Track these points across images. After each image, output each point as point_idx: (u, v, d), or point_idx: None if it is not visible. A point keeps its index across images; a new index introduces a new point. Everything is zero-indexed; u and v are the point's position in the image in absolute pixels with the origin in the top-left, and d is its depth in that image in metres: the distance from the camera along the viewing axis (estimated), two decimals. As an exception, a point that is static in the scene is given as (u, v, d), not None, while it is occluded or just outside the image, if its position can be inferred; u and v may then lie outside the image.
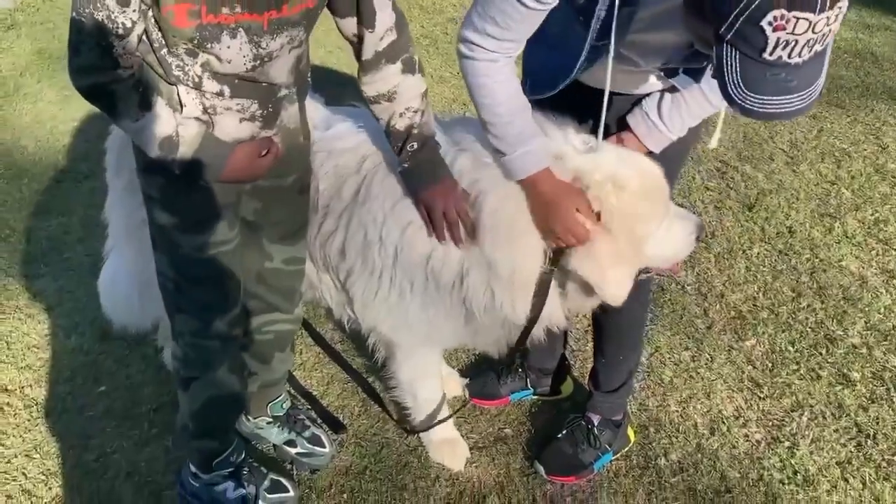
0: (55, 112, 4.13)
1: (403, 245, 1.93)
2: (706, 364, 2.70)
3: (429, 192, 1.86)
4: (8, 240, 3.26)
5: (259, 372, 2.24)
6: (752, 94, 1.29)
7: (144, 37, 1.57)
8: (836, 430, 2.45)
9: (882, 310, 2.89)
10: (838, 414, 2.51)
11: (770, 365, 2.69)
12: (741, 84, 1.28)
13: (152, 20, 1.54)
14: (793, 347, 2.75)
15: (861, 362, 2.69)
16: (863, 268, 3.10)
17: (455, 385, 2.60)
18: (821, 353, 2.72)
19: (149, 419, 2.51)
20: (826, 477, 2.32)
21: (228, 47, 1.57)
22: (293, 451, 2.35)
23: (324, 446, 2.35)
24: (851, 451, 2.39)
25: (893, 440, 2.41)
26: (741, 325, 2.85)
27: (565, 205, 1.73)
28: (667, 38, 1.63)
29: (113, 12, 1.49)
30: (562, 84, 1.78)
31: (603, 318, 2.22)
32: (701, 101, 1.80)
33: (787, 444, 2.42)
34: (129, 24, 1.51)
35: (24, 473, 2.33)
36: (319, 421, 2.45)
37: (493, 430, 2.48)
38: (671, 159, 1.90)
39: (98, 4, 1.47)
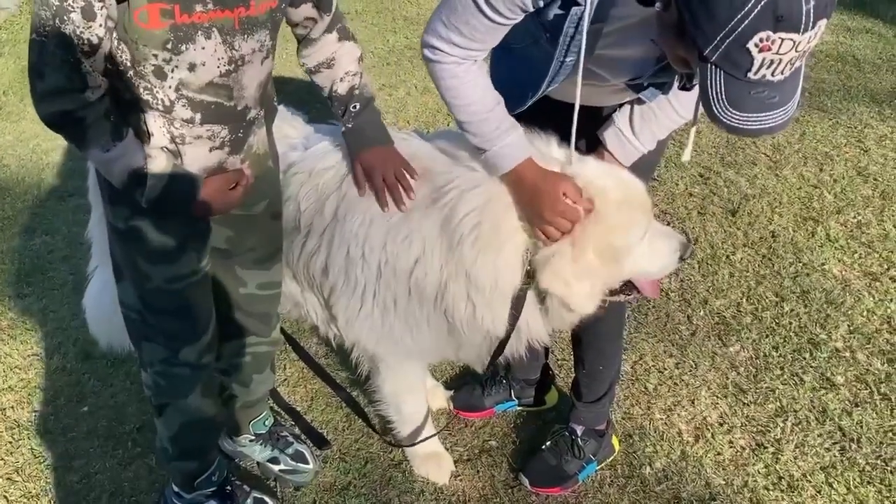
0: (38, 130, 4.12)
1: (386, 258, 1.93)
2: (690, 371, 2.70)
3: (369, 154, 1.92)
4: (-9, 260, 3.25)
5: (239, 394, 2.25)
6: (737, 113, 1.30)
7: (108, 61, 1.53)
8: (819, 435, 2.46)
9: (865, 313, 2.90)
10: (822, 419, 2.51)
11: (754, 370, 2.69)
12: (725, 103, 1.29)
13: (115, 41, 1.50)
14: (776, 352, 2.75)
15: (844, 366, 2.69)
16: (846, 271, 3.11)
17: (440, 397, 2.60)
18: (804, 358, 2.73)
19: (132, 438, 2.50)
20: (810, 482, 2.32)
21: (203, 48, 1.55)
22: (276, 468, 2.34)
23: (307, 462, 2.34)
24: (835, 456, 2.39)
25: (877, 444, 2.42)
26: (725, 331, 2.85)
27: (553, 189, 1.72)
28: (635, 53, 1.63)
29: (78, 27, 1.44)
30: (530, 100, 1.79)
31: (581, 329, 2.22)
32: (670, 112, 1.81)
33: (771, 449, 2.42)
34: (95, 41, 1.47)
35: (5, 497, 2.32)
36: (303, 437, 2.44)
37: (477, 443, 2.48)
38: (641, 171, 1.91)
39: (63, 19, 1.42)
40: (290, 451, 2.34)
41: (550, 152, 1.82)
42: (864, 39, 4.98)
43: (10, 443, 2.48)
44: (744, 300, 2.98)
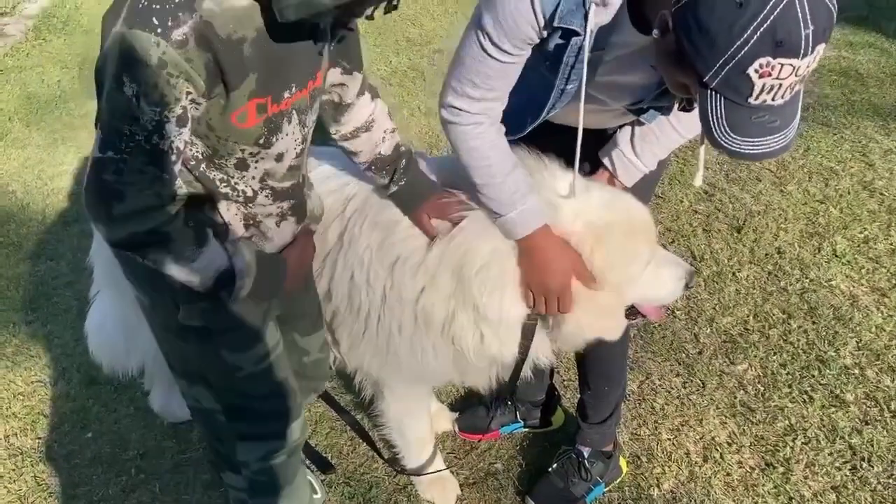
0: (43, 156, 4.14)
1: (392, 284, 1.91)
2: (698, 390, 2.67)
3: (431, 205, 1.84)
4: (-4, 286, 3.26)
5: None
6: (738, 137, 1.30)
7: None
8: (830, 454, 2.43)
9: (874, 329, 2.87)
10: (832, 437, 2.48)
11: (762, 389, 2.67)
12: (727, 128, 1.29)
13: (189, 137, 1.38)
14: (785, 370, 2.73)
15: (854, 383, 2.66)
16: (853, 287, 3.08)
17: (444, 420, 2.58)
18: (813, 375, 2.70)
19: (136, 465, 2.48)
20: (822, 502, 2.28)
21: (287, 135, 1.48)
22: None
23: (315, 492, 2.29)
24: (846, 475, 2.36)
25: (888, 463, 2.39)
26: (732, 349, 2.83)
27: (563, 269, 1.72)
28: (635, 78, 1.63)
29: (172, 137, 1.31)
30: (530, 127, 1.78)
31: (585, 350, 2.20)
32: (670, 133, 1.80)
33: (781, 469, 2.39)
34: (181, 147, 1.34)
35: (9, 525, 2.31)
36: (312, 466, 2.40)
37: (483, 465, 2.45)
38: (643, 189, 1.90)
39: (162, 133, 1.29)
40: None
41: (554, 184, 1.80)
42: (868, 54, 4.98)
43: (14, 470, 2.47)
44: (751, 317, 2.96)
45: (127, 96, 1.27)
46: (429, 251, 1.85)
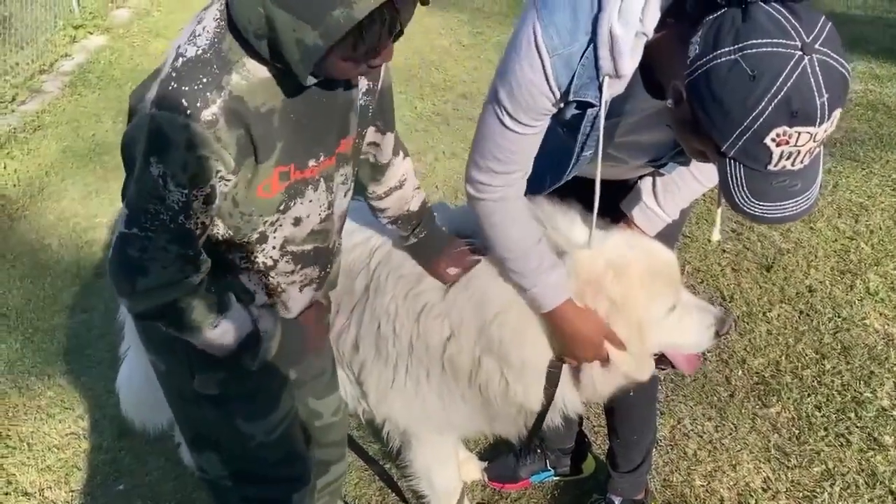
0: (77, 209, 4.25)
1: (419, 334, 1.92)
2: (731, 434, 2.63)
3: (448, 256, 1.88)
4: (32, 339, 3.32)
5: None
6: (760, 203, 1.30)
7: None
8: (870, 500, 2.36)
9: (911, 368, 2.81)
10: (871, 482, 2.42)
11: (797, 432, 2.61)
12: (748, 194, 1.29)
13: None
14: (819, 412, 2.67)
15: (893, 425, 2.60)
16: (888, 325, 3.03)
17: (473, 469, 2.56)
18: (849, 418, 2.64)
19: (167, 517, 2.50)
20: (863, 550, 2.23)
21: (311, 201, 1.49)
22: None
23: None
24: (888, 522, 2.30)
25: (931, 508, 2.32)
26: (765, 392, 2.78)
27: (589, 338, 1.76)
28: (653, 138, 1.63)
29: (198, 215, 1.33)
30: (549, 188, 1.79)
31: (612, 399, 2.19)
32: (691, 182, 1.81)
33: (819, 516, 2.33)
34: (207, 223, 1.37)
35: (42, 580, 2.32)
36: None
37: (513, 515, 2.43)
38: (667, 236, 1.90)
39: (188, 213, 1.31)
40: None
41: (573, 234, 1.81)
42: (894, 86, 4.94)
43: (48, 524, 2.50)
44: (783, 358, 2.91)
45: (154, 177, 1.29)
46: (446, 299, 1.87)
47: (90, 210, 4.24)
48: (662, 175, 1.80)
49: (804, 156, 1.23)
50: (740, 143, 1.23)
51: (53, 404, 2.97)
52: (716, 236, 1.83)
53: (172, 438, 2.66)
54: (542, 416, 1.94)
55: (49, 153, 4.85)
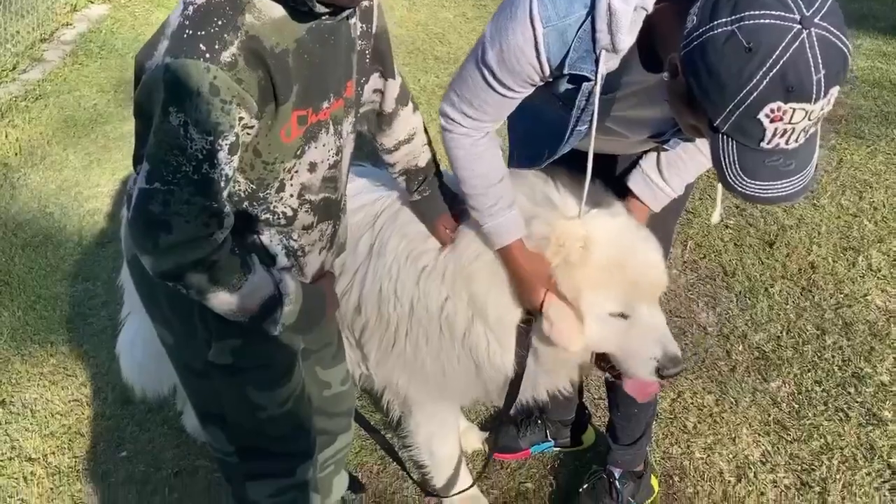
0: (79, 178, 4.23)
1: (419, 296, 1.93)
2: (731, 408, 2.64)
3: (450, 214, 1.90)
4: (34, 307, 3.32)
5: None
6: (752, 181, 1.27)
7: None
8: (868, 474, 2.38)
9: (911, 345, 2.82)
10: (870, 456, 2.43)
11: (797, 406, 2.63)
12: (739, 172, 1.27)
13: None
14: (819, 387, 2.68)
15: (892, 400, 2.61)
16: (889, 301, 3.03)
17: (474, 439, 2.58)
18: (849, 393, 2.65)
19: (169, 484, 2.51)
20: (859, 523, 2.24)
21: (324, 145, 1.47)
22: None
23: None
24: (885, 496, 2.31)
25: (929, 482, 2.34)
26: (765, 366, 2.79)
27: (529, 280, 1.76)
28: (653, 113, 1.62)
29: (223, 165, 1.28)
30: (547, 161, 1.79)
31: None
32: (697, 156, 1.79)
33: (817, 489, 2.35)
34: (231, 174, 1.32)
35: (46, 544, 2.34)
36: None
37: (513, 485, 2.44)
38: (670, 212, 1.90)
39: (213, 162, 1.27)
40: None
41: (565, 208, 1.80)
42: (901, 63, 4.91)
43: (52, 489, 2.51)
44: (784, 334, 2.92)
45: (174, 126, 1.25)
46: (439, 259, 1.89)
47: (92, 179, 4.23)
48: (667, 150, 1.79)
49: (799, 134, 1.21)
50: (734, 118, 1.21)
51: (56, 371, 2.98)
52: (716, 218, 1.83)
53: (175, 406, 2.67)
54: (515, 384, 1.93)
55: (51, 122, 4.83)
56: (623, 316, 1.75)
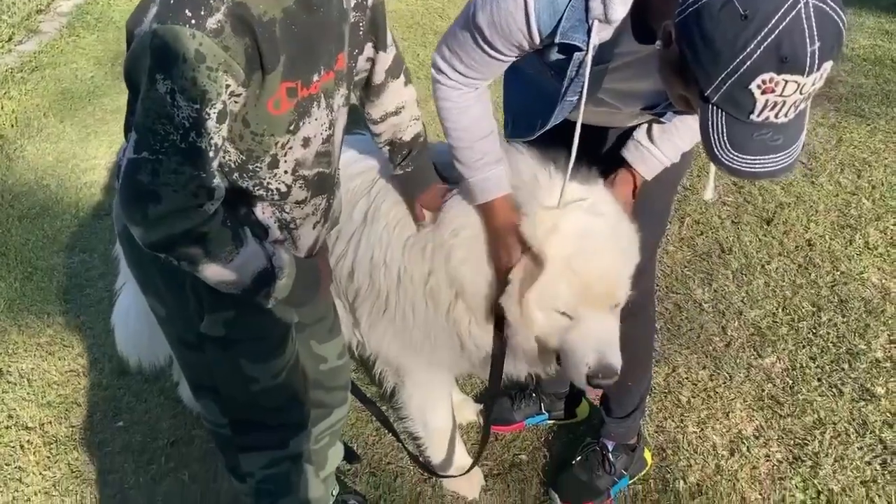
0: (76, 150, 4.22)
1: (405, 266, 1.93)
2: (725, 383, 2.65)
3: (428, 194, 1.89)
4: (31, 278, 3.33)
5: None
6: (739, 155, 1.26)
7: None
8: (860, 448, 2.39)
9: (906, 322, 2.83)
10: (862, 431, 2.45)
11: (790, 382, 2.64)
12: (727, 145, 1.26)
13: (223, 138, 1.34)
14: (814, 363, 2.69)
15: (885, 377, 2.62)
16: (885, 279, 3.03)
17: (469, 411, 2.59)
18: (843, 369, 2.66)
19: (166, 454, 2.52)
20: (850, 497, 2.26)
21: (316, 119, 1.46)
22: None
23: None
24: (876, 470, 2.33)
25: (920, 457, 2.35)
26: (760, 342, 2.80)
27: (508, 239, 1.75)
28: (646, 85, 1.61)
29: (211, 134, 1.27)
30: (540, 131, 1.78)
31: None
32: (691, 124, 1.78)
33: (809, 463, 2.36)
34: (220, 143, 1.30)
35: (43, 511, 2.36)
36: (372, 503, 2.34)
37: (508, 457, 2.46)
38: (664, 187, 1.89)
39: (200, 131, 1.25)
40: None
41: (550, 190, 1.77)
42: (903, 42, 4.88)
43: (49, 458, 2.53)
44: (779, 310, 2.92)
45: (161, 94, 1.24)
46: (420, 233, 1.90)
47: (89, 152, 4.21)
48: (662, 123, 1.78)
49: (789, 108, 1.20)
50: (725, 87, 1.20)
51: (53, 342, 2.98)
52: (709, 195, 1.82)
53: (171, 377, 2.68)
54: (496, 363, 1.92)
55: (47, 94, 4.80)
56: (567, 315, 1.72)
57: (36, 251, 3.49)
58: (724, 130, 1.25)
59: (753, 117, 1.21)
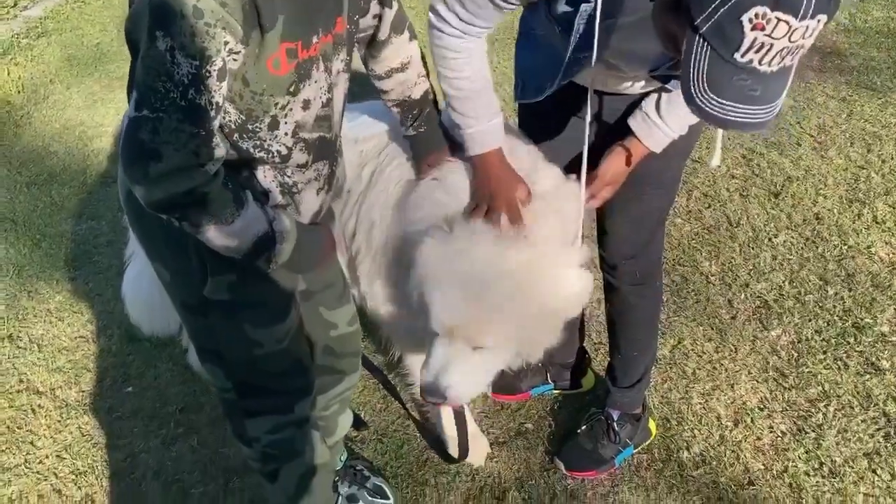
0: (83, 118, 4.21)
1: (391, 231, 1.94)
2: (730, 355, 2.66)
3: (437, 158, 1.88)
4: (40, 244, 3.34)
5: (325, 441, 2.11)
6: (713, 97, 1.24)
7: None
8: (863, 421, 2.41)
9: (913, 296, 2.83)
10: (866, 404, 2.46)
11: (796, 355, 2.65)
12: (704, 84, 1.24)
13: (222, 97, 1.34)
14: (819, 336, 2.70)
15: (890, 350, 2.63)
16: (893, 254, 3.03)
17: (476, 380, 2.60)
18: (848, 342, 2.67)
19: (175, 419, 2.55)
20: (853, 468, 2.28)
21: (315, 82, 1.45)
22: None
23: (387, 497, 2.25)
24: (879, 442, 2.34)
25: (923, 430, 2.37)
26: (766, 315, 2.80)
27: (509, 185, 1.74)
28: (648, 47, 1.59)
29: (212, 92, 1.27)
30: (548, 92, 1.77)
31: (615, 315, 2.22)
32: None
33: (812, 435, 2.38)
34: (220, 102, 1.31)
35: (54, 473, 2.39)
36: (379, 468, 2.36)
37: (513, 425, 2.48)
38: (672, 158, 1.87)
39: (199, 88, 1.25)
40: (369, 485, 2.25)
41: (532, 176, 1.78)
42: (917, 15, 4.82)
43: (59, 421, 2.56)
44: (786, 283, 2.92)
45: (161, 51, 1.24)
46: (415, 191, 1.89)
47: (95, 119, 4.21)
48: (670, 92, 1.76)
49: (774, 56, 1.18)
50: (716, 17, 1.17)
51: (62, 308, 3.01)
52: (715, 161, 1.80)
53: (180, 344, 2.70)
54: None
55: (53, 60, 4.79)
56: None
57: (44, 218, 3.50)
58: (706, 68, 1.22)
59: (738, 56, 1.19)
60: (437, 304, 1.69)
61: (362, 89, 2.02)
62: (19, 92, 4.45)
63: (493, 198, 1.74)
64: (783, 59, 1.20)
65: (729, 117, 1.25)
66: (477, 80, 1.73)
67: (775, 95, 1.25)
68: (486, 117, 1.74)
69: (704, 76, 1.23)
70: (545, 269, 1.68)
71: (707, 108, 1.25)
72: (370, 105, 2.12)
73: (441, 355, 1.72)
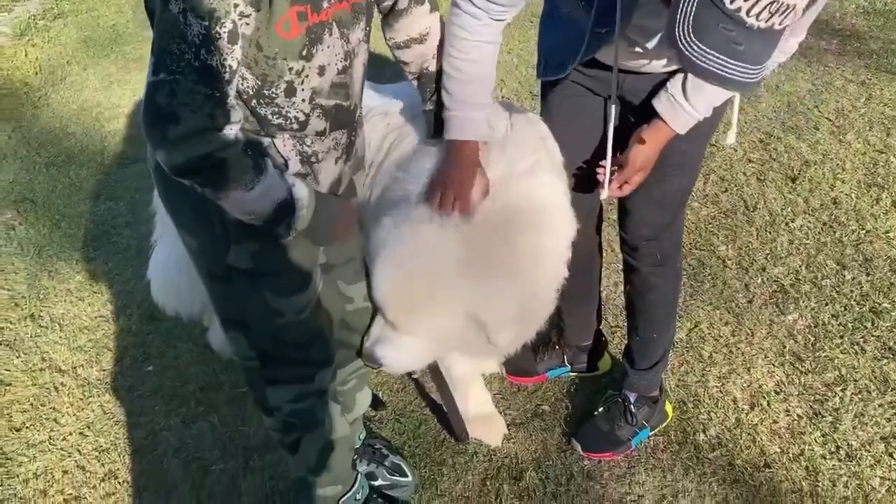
0: (100, 99, 4.23)
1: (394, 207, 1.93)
2: (746, 339, 2.67)
3: None
4: (59, 225, 3.37)
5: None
6: (696, 42, 1.23)
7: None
8: (880, 405, 2.41)
9: (931, 282, 2.82)
10: (883, 388, 2.46)
11: (812, 339, 2.65)
12: (690, 27, 1.22)
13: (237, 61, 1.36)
14: (836, 321, 2.70)
15: (908, 335, 2.63)
16: (911, 239, 3.02)
17: (492, 362, 2.62)
18: (866, 327, 2.67)
19: (195, 398, 2.58)
20: (869, 452, 2.28)
21: (329, 47, 1.47)
22: (375, 484, 2.23)
23: (406, 475, 2.26)
24: (896, 426, 2.35)
25: (940, 415, 2.37)
26: (783, 299, 2.80)
27: (470, 179, 1.75)
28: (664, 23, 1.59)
29: (224, 54, 1.30)
30: (570, 68, 1.76)
31: (635, 296, 2.22)
32: None
33: (829, 418, 2.39)
34: (234, 66, 1.34)
35: (78, 450, 2.43)
36: (397, 447, 2.38)
37: (530, 407, 2.50)
38: (695, 140, 1.87)
39: (210, 49, 1.28)
40: (387, 463, 2.27)
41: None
42: (937, -2, 4.77)
43: (81, 399, 2.59)
44: (803, 268, 2.92)
45: (174, 14, 1.28)
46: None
47: (112, 100, 4.23)
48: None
49: (763, 9, 1.17)
50: None
51: (82, 288, 3.04)
52: (730, 139, 1.79)
53: (200, 323, 2.73)
54: None
55: (70, 42, 4.80)
56: None
57: (63, 199, 3.53)
58: (693, 9, 1.21)
59: (727, 2, 1.18)
60: (377, 282, 1.75)
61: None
62: (37, 73, 4.47)
63: (449, 186, 1.75)
64: (771, 15, 1.18)
65: (709, 66, 1.23)
66: (482, 68, 1.73)
67: (758, 58, 1.24)
68: (473, 107, 1.74)
69: (691, 19, 1.21)
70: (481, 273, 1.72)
71: (687, 53, 1.24)
72: (402, 86, 2.12)
73: (379, 327, 1.82)
